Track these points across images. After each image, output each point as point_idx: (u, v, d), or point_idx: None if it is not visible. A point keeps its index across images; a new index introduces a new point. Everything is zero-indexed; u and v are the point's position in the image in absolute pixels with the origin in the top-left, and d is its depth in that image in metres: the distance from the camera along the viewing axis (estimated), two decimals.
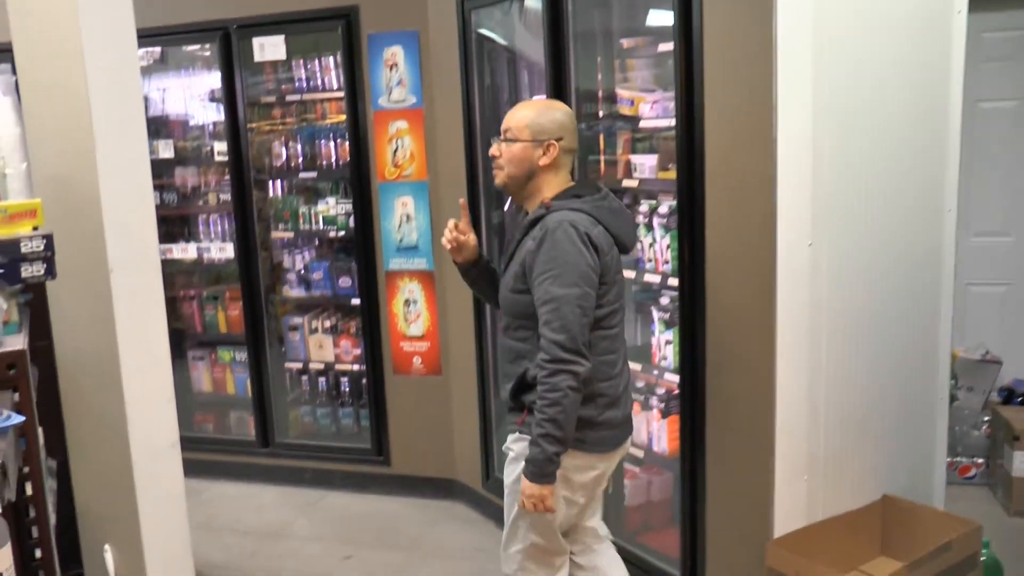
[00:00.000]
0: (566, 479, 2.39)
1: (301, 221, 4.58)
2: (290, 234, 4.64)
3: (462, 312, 4.09)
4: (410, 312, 4.28)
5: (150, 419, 2.84)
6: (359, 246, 4.34)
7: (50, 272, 2.13)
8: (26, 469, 1.91)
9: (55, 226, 2.80)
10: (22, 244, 2.08)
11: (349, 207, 4.37)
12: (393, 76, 4.11)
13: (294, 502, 4.44)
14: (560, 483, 2.34)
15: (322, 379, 4.74)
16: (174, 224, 4.91)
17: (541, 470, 2.27)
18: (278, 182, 4.73)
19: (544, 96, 3.41)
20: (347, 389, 4.68)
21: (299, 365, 4.72)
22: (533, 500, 2.30)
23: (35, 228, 2.20)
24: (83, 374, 2.81)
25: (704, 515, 2.95)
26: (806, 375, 2.69)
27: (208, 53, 4.50)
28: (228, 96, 4.38)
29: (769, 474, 2.67)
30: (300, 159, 4.56)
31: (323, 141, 4.49)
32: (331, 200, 4.49)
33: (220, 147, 4.50)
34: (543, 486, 2.28)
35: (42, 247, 2.11)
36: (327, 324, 4.66)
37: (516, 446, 2.44)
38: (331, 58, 4.32)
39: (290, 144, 4.56)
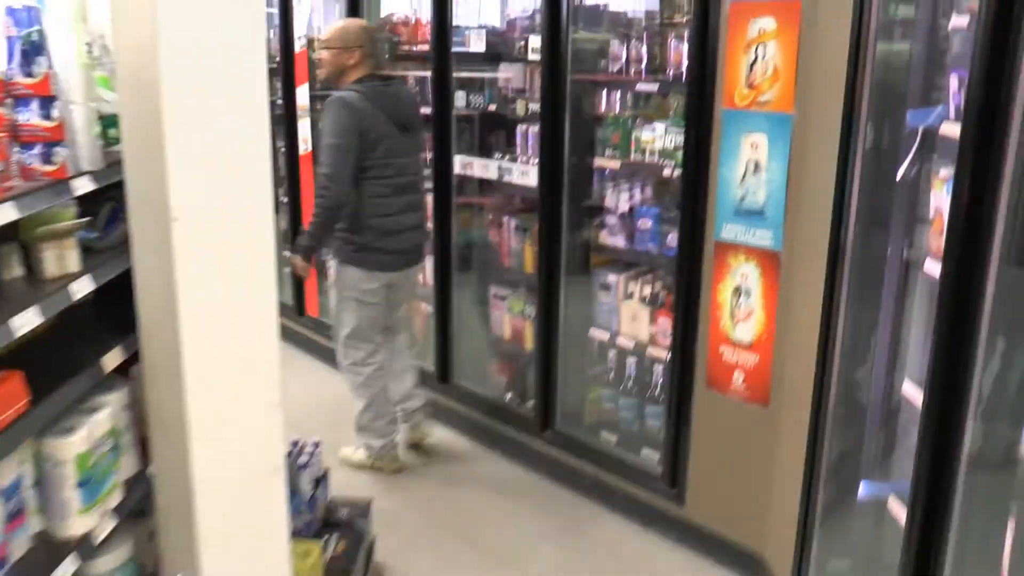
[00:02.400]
0: (356, 287, 3.46)
1: (632, 149, 3.37)
2: (616, 163, 3.45)
3: (808, 321, 2.65)
4: (739, 307, 2.92)
5: (232, 432, 2.01)
6: (685, 196, 3.02)
7: None
8: None
9: (130, 147, 2.05)
10: None
11: (678, 138, 3.06)
12: None
13: (562, 516, 3.43)
14: (351, 290, 3.47)
15: (631, 360, 3.60)
16: (483, 133, 3.99)
17: (302, 248, 3.45)
18: (615, 93, 3.54)
19: None
20: (660, 382, 3.50)
21: (606, 335, 3.61)
22: (295, 267, 3.50)
23: None
24: (154, 361, 2.05)
25: None
26: None
27: None
28: None
29: None
30: (642, 64, 3.31)
31: (675, 42, 3.19)
32: (659, 126, 3.20)
33: (535, 42, 3.40)
34: (301, 259, 3.45)
35: None
36: (646, 291, 3.46)
37: (332, 272, 3.67)
38: None
39: (632, 44, 3.32)
